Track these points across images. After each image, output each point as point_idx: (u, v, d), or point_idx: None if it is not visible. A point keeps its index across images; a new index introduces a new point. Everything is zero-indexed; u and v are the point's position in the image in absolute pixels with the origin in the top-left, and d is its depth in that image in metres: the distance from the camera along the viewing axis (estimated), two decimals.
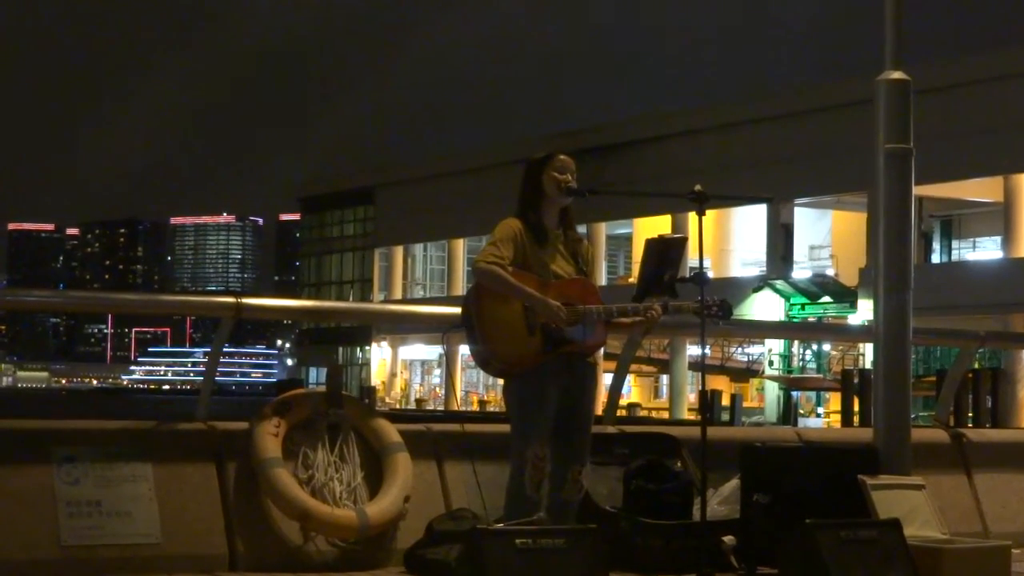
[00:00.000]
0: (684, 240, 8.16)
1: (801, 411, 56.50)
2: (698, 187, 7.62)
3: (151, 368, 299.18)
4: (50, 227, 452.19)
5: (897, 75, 9.28)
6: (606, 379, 11.50)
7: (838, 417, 50.28)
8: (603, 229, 67.00)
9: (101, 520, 7.63)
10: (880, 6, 9.44)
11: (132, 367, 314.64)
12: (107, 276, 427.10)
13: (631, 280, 57.77)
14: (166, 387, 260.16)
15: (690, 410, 59.77)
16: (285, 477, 7.93)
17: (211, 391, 8.67)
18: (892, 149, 9.16)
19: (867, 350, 43.29)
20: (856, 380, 45.72)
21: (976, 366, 41.53)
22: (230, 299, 8.44)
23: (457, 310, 7.93)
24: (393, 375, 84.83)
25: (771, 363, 58.04)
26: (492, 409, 64.80)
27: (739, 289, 53.17)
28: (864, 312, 49.02)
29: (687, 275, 7.86)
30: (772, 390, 58.01)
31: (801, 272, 59.15)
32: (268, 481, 7.90)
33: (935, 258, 58.22)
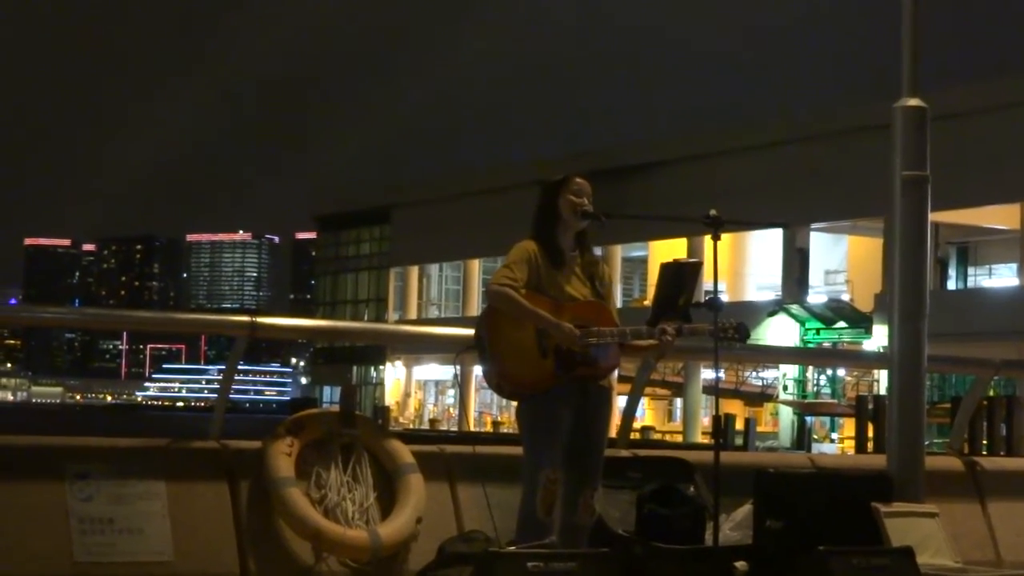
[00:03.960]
0: (699, 264, 8.15)
1: (815, 436, 56.40)
2: (713, 211, 7.62)
3: (165, 385, 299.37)
4: (66, 242, 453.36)
5: (914, 102, 9.27)
6: (620, 402, 11.46)
7: (852, 443, 50.15)
8: (618, 252, 67.00)
9: (113, 537, 7.63)
10: (897, 32, 9.44)
11: (147, 384, 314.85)
12: (123, 292, 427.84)
13: (646, 303, 57.75)
14: (180, 404, 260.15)
15: (704, 434, 59.68)
16: (297, 497, 7.92)
17: (225, 409, 8.67)
18: (908, 176, 9.15)
19: (882, 376, 43.21)
20: (870, 406, 45.60)
21: (991, 393, 41.40)
22: (244, 318, 8.46)
23: (471, 331, 7.93)
24: (407, 395, 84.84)
25: (785, 388, 57.95)
26: (506, 430, 64.75)
27: (754, 313, 53.07)
28: (879, 338, 48.95)
29: (702, 299, 7.86)
30: (786, 415, 57.94)
31: (816, 297, 59.12)
32: (280, 500, 7.90)
33: (951, 284, 58.16)
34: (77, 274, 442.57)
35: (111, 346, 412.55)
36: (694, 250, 53.90)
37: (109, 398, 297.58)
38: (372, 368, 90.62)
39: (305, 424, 8.29)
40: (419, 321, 78.34)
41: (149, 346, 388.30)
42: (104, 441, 8.20)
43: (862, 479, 9.20)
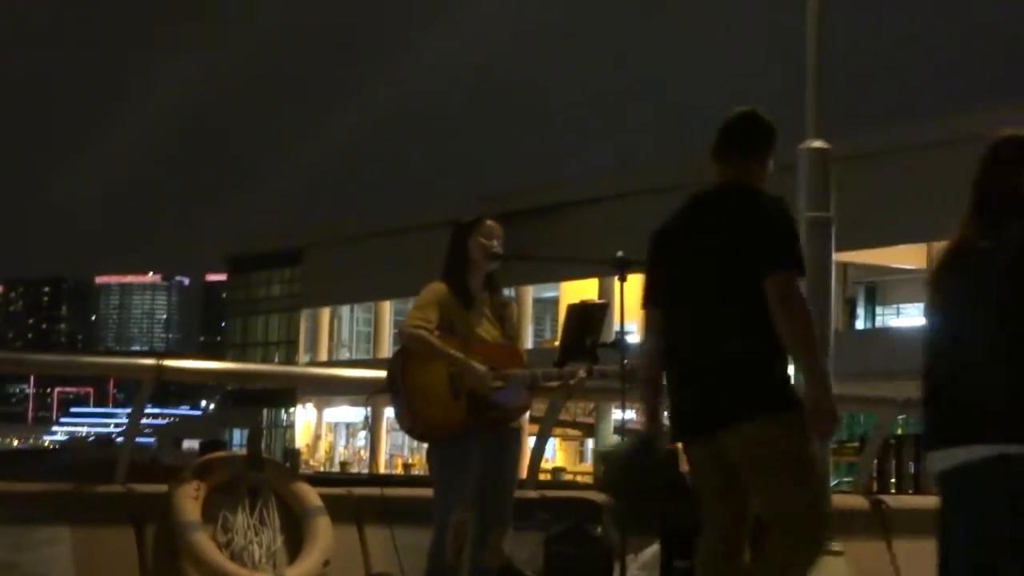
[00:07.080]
0: (605, 305, 8.18)
1: None
2: (620, 253, 7.65)
3: (73, 429, 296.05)
4: None
5: (818, 144, 9.38)
6: (531, 442, 11.47)
7: None
8: (530, 292, 67.12)
9: None
10: (803, 77, 9.55)
11: (54, 428, 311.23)
12: (30, 335, 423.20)
13: (557, 343, 57.84)
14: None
15: None
16: (204, 541, 7.88)
17: (131, 453, 8.62)
18: (813, 217, 9.25)
19: None
20: None
21: (899, 432, 41.80)
22: (151, 361, 8.41)
23: (381, 374, 7.93)
24: (317, 437, 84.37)
25: None
26: (417, 472, 64.50)
27: None
28: None
29: (610, 340, 7.88)
30: None
31: None
32: (187, 545, 7.85)
33: (859, 324, 58.65)
34: None
35: (18, 390, 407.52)
36: (605, 291, 54.07)
37: (15, 442, 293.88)
38: (282, 410, 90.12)
39: (212, 468, 8.26)
40: (330, 363, 77.99)
41: (57, 389, 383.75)
42: (7, 486, 8.11)
43: None
